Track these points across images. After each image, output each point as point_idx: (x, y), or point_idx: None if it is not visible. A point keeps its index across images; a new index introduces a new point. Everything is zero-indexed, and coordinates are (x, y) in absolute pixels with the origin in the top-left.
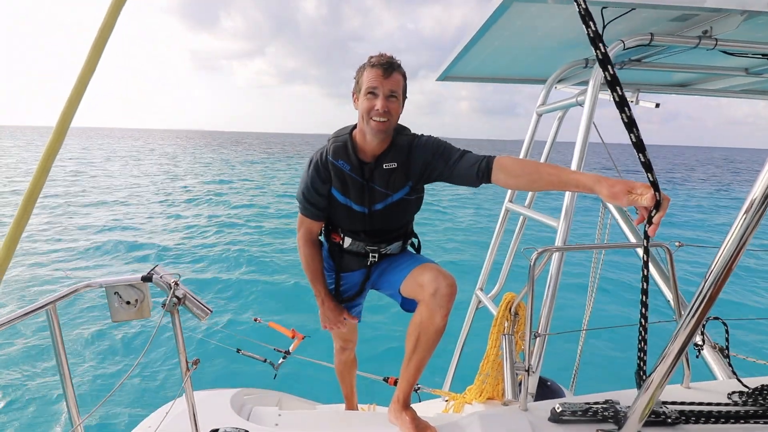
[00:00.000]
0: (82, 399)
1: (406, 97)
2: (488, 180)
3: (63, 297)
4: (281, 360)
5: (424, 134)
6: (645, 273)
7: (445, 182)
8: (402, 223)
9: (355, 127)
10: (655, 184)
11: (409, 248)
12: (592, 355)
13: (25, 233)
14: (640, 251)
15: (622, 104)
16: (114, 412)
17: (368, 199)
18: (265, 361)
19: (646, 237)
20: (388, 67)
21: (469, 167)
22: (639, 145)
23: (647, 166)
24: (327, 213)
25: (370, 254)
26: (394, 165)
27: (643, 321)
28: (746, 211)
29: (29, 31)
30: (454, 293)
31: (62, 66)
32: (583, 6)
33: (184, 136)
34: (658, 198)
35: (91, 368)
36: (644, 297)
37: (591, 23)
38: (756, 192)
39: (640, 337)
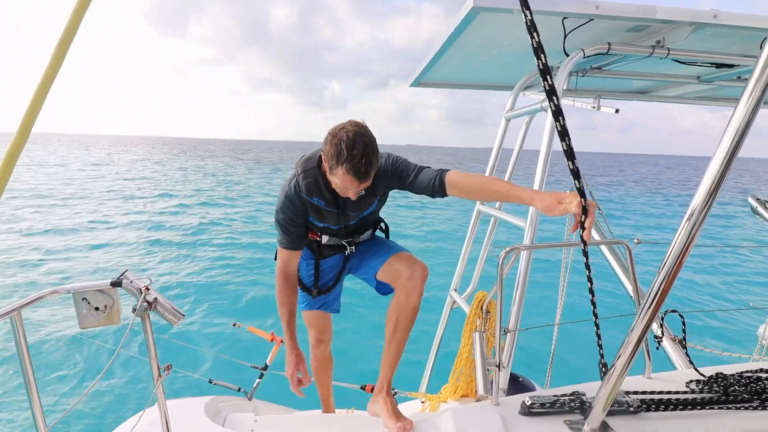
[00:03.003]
0: (48, 408)
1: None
2: (444, 194)
3: (28, 303)
4: (257, 381)
5: (383, 155)
6: (588, 274)
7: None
8: (372, 221)
9: (321, 158)
10: (581, 191)
11: (379, 232)
12: (567, 350)
13: None
14: (603, 248)
15: (557, 113)
16: (82, 422)
17: (344, 220)
18: (239, 390)
19: (583, 242)
20: (364, 177)
21: (426, 184)
22: (569, 154)
23: (575, 174)
24: (304, 240)
25: (348, 247)
26: (363, 192)
27: (595, 320)
28: (689, 217)
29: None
30: (426, 276)
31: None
32: (529, 18)
33: (149, 143)
34: (584, 204)
35: (58, 376)
36: (591, 296)
37: (535, 34)
38: (697, 199)
39: (596, 331)
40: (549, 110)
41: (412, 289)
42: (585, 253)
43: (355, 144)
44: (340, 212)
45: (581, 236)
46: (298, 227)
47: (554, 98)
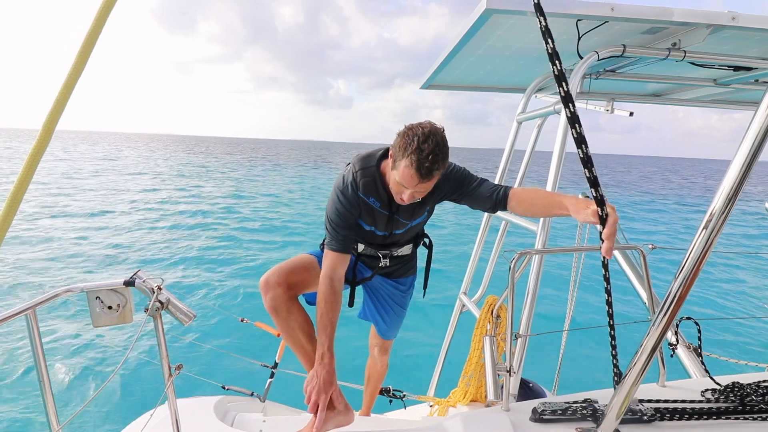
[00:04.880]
0: (61, 405)
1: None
2: (504, 207)
3: (43, 302)
4: (269, 382)
5: (447, 164)
6: (607, 287)
7: (457, 203)
8: (413, 234)
9: (381, 156)
10: (597, 200)
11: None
12: (576, 356)
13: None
14: (616, 253)
15: (573, 120)
16: (95, 420)
17: (391, 227)
18: (252, 394)
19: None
20: (427, 175)
21: (487, 195)
22: (586, 161)
23: (593, 182)
24: (354, 243)
25: (382, 258)
26: (418, 200)
27: (610, 322)
28: (707, 222)
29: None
30: (385, 369)
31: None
32: (544, 24)
33: (157, 141)
34: (600, 213)
35: (71, 374)
36: (608, 307)
37: (549, 40)
38: (716, 204)
39: (610, 338)
40: (562, 114)
41: (373, 364)
42: (604, 266)
43: (428, 140)
44: (390, 216)
45: (600, 249)
46: (349, 227)
47: (570, 105)
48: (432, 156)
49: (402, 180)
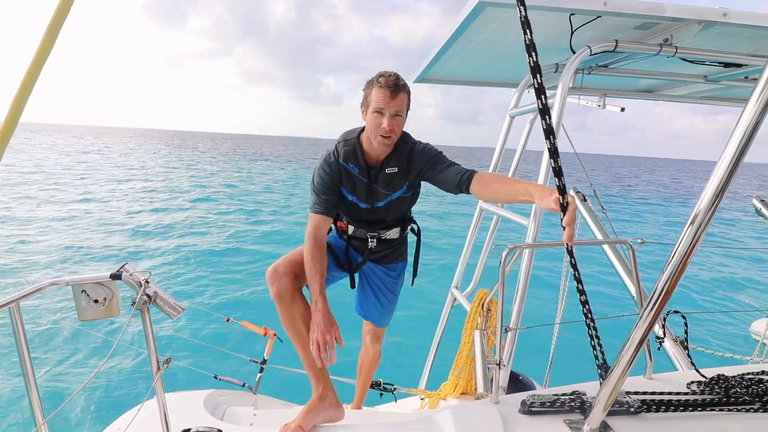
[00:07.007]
0: (46, 400)
1: (409, 109)
2: (467, 189)
3: (27, 295)
4: (259, 376)
5: (421, 142)
6: (576, 275)
7: (429, 183)
8: (399, 215)
9: (362, 130)
10: (560, 189)
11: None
12: (567, 350)
13: None
14: (606, 247)
15: (544, 112)
16: (81, 414)
17: (372, 198)
18: (243, 385)
19: (567, 243)
20: (395, 88)
21: (454, 176)
22: (553, 152)
23: (557, 172)
24: (336, 209)
25: (369, 239)
26: (396, 170)
27: (589, 315)
28: (694, 218)
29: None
30: (377, 357)
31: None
32: (523, 14)
33: (145, 135)
34: (562, 202)
35: (56, 368)
36: (581, 295)
37: (528, 31)
38: (703, 200)
39: (590, 332)
40: (554, 109)
41: (366, 353)
42: (569, 252)
43: (387, 70)
44: (370, 185)
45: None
46: (331, 192)
47: (543, 96)
48: (395, 75)
49: (377, 105)
